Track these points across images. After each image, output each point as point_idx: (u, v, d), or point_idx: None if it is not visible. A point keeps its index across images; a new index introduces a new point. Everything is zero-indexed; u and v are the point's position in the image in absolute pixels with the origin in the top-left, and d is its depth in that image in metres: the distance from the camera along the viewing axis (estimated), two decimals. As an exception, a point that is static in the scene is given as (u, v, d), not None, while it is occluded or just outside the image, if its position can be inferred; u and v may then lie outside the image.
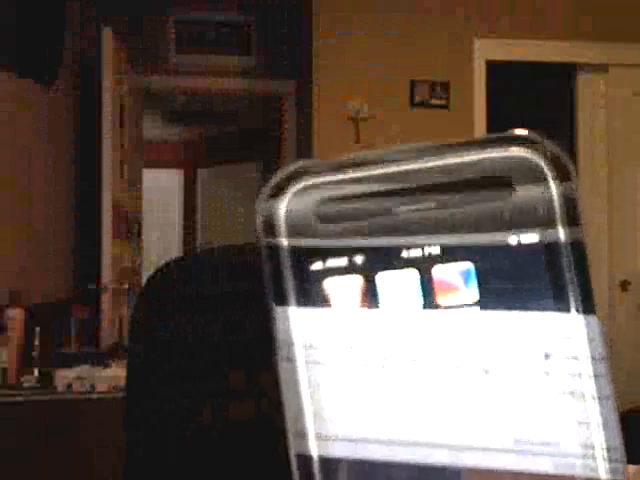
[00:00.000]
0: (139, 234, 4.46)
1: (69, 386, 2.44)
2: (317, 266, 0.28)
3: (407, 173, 0.27)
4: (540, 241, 0.26)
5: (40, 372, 2.52)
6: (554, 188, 0.26)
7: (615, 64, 3.96)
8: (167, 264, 0.70)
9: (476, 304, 0.27)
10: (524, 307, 0.26)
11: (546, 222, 0.26)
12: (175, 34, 4.49)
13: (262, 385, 0.64)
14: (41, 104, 3.64)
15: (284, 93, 4.59)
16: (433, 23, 3.84)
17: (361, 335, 0.28)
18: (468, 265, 0.27)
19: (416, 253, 0.27)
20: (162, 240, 6.54)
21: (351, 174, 0.28)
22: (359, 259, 0.28)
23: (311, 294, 0.28)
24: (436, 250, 0.27)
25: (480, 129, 3.76)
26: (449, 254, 0.27)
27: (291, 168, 0.29)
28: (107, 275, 3.62)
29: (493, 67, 3.85)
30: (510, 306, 0.26)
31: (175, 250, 6.66)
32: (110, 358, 2.76)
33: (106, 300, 3.60)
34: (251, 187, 6.62)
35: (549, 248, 0.26)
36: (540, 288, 0.26)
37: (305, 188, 0.28)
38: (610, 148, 3.96)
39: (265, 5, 4.52)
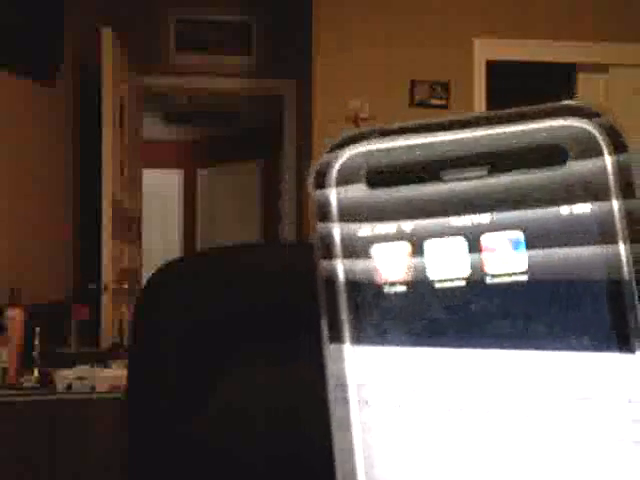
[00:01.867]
0: (139, 234, 4.46)
1: (69, 386, 2.44)
2: (365, 232, 0.28)
3: (459, 141, 0.27)
4: (592, 212, 0.25)
5: (40, 372, 2.52)
6: (609, 159, 0.25)
7: (615, 64, 3.96)
8: (168, 264, 0.70)
9: (524, 273, 0.26)
10: (574, 276, 0.25)
11: (600, 193, 0.25)
12: (175, 34, 4.49)
13: (262, 385, 0.64)
14: (41, 104, 3.64)
15: (284, 93, 4.59)
16: (433, 23, 3.84)
17: (422, 375, 0.27)
18: (518, 234, 0.26)
19: (465, 221, 0.27)
20: (162, 240, 6.54)
21: (402, 141, 0.28)
22: (407, 226, 0.27)
23: (358, 262, 0.27)
24: (485, 218, 0.26)
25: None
26: (498, 222, 0.26)
27: (344, 135, 0.29)
28: (107, 275, 3.62)
29: (493, 67, 3.85)
30: (560, 276, 0.25)
31: (175, 250, 6.66)
32: (110, 358, 2.76)
33: (106, 300, 3.60)
34: (251, 187, 6.62)
35: (601, 219, 0.25)
36: (591, 258, 0.25)
37: (357, 154, 0.28)
38: (610, 148, 3.95)
39: (265, 5, 4.52)
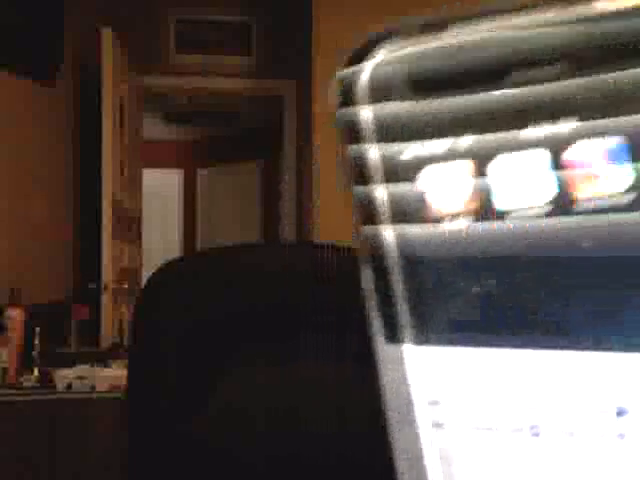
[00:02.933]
0: (139, 234, 4.46)
1: (69, 386, 2.44)
2: (412, 152, 0.21)
3: (528, 29, 0.20)
4: None
5: (40, 372, 2.52)
6: None
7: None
8: (168, 264, 0.70)
9: (631, 191, 0.19)
10: None
11: None
12: (175, 34, 4.49)
13: (262, 385, 0.64)
14: (41, 104, 3.64)
15: (284, 93, 4.59)
16: (433, 23, 3.84)
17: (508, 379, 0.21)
18: (618, 141, 0.19)
19: (544, 130, 0.20)
20: (162, 240, 6.54)
21: (453, 37, 0.21)
22: (467, 141, 0.21)
23: (403, 194, 0.21)
24: (571, 125, 0.20)
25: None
26: (590, 129, 0.19)
27: (375, 33, 0.23)
28: (107, 275, 3.62)
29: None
30: None
31: (175, 250, 6.65)
32: (110, 358, 2.76)
33: (106, 300, 3.60)
34: (251, 187, 6.62)
35: None
36: None
37: (395, 56, 0.22)
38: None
39: (265, 5, 4.52)
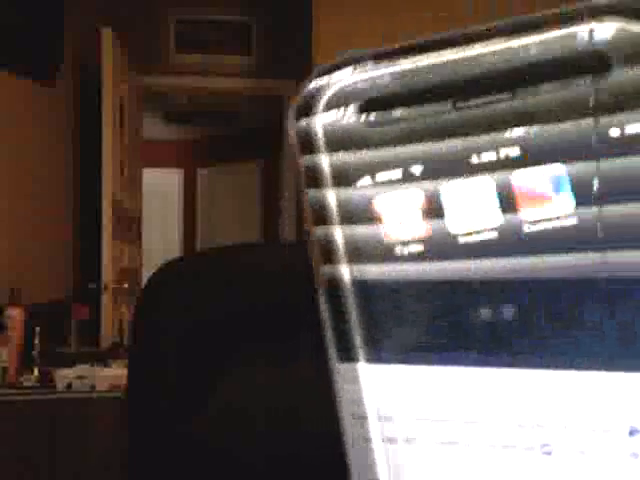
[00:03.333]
0: (139, 234, 4.46)
1: (69, 386, 2.44)
2: (365, 181, 0.22)
3: (473, 58, 0.22)
4: None
5: (40, 371, 2.52)
6: None
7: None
8: (168, 264, 0.70)
9: (572, 216, 0.20)
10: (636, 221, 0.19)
11: None
12: (175, 34, 4.49)
13: (262, 385, 0.64)
14: (41, 104, 3.64)
15: (284, 93, 4.59)
16: (433, 23, 3.84)
17: (462, 393, 0.21)
18: (558, 167, 0.20)
19: (489, 156, 0.21)
20: (162, 240, 6.54)
21: (402, 65, 0.22)
22: (417, 169, 0.22)
23: (359, 219, 0.22)
24: (515, 151, 0.21)
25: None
26: (532, 155, 0.20)
27: (326, 65, 0.24)
28: (107, 275, 3.62)
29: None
30: (619, 217, 0.19)
31: (175, 250, 6.66)
32: (110, 357, 2.76)
33: (106, 300, 3.60)
34: (251, 187, 6.62)
35: None
36: None
37: (346, 86, 0.23)
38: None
39: (265, 5, 4.52)
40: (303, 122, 0.23)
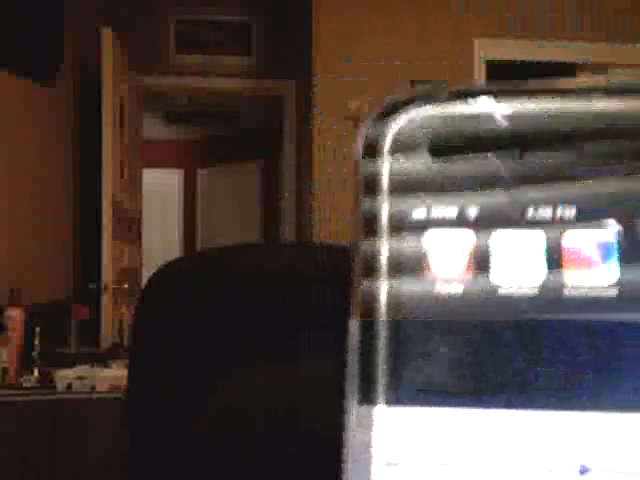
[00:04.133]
0: (139, 234, 4.46)
1: (69, 386, 2.44)
2: (420, 213, 0.22)
3: (547, 112, 0.21)
4: None
5: (40, 372, 2.52)
6: None
7: (615, 64, 3.96)
8: (168, 264, 0.70)
9: (614, 286, 0.20)
10: None
11: None
12: (175, 34, 4.49)
13: (262, 385, 0.64)
14: (41, 104, 3.63)
15: (284, 93, 4.59)
16: (433, 23, 3.84)
17: (478, 446, 0.21)
18: (611, 235, 0.20)
19: (546, 213, 0.21)
20: (162, 240, 6.54)
21: (477, 108, 0.22)
22: (472, 211, 0.21)
23: (406, 250, 0.22)
24: (572, 211, 0.20)
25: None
26: (588, 218, 0.20)
27: (410, 91, 0.23)
28: (107, 275, 3.62)
29: (493, 67, 3.85)
30: None
31: (175, 250, 6.66)
32: (110, 358, 2.76)
33: (106, 300, 3.60)
34: (251, 187, 6.62)
35: None
36: None
37: (422, 115, 0.23)
38: (610, 148, 3.95)
39: (265, 5, 4.52)
40: (370, 163, 0.23)
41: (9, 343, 2.50)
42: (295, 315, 0.63)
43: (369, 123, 0.23)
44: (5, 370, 2.49)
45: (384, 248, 0.22)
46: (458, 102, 0.22)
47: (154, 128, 6.22)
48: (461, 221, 0.22)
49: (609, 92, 0.21)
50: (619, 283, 0.20)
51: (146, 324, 0.69)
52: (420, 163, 0.22)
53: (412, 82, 3.79)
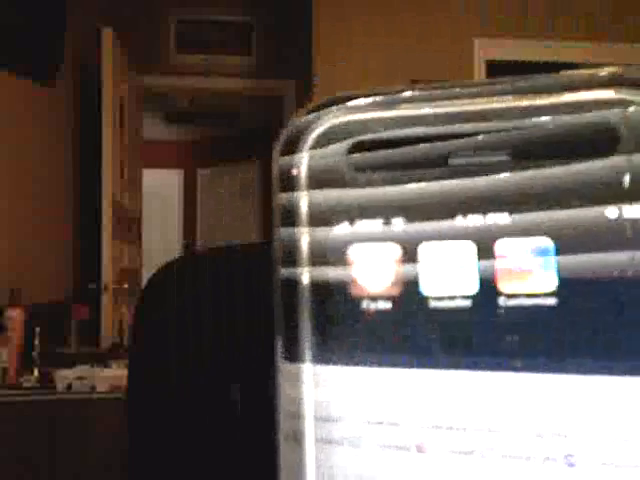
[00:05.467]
0: (139, 234, 4.46)
1: (69, 386, 2.44)
2: (342, 229, 0.21)
3: (473, 114, 0.20)
4: None
5: (40, 372, 2.52)
6: None
7: (615, 64, 3.96)
8: (167, 264, 0.70)
9: (551, 295, 0.19)
10: (621, 310, 0.18)
11: None
12: (176, 34, 4.49)
13: (262, 385, 0.64)
14: (41, 104, 3.63)
15: (284, 93, 4.59)
16: (433, 23, 3.84)
17: (399, 405, 0.20)
18: (546, 242, 0.19)
19: (476, 221, 0.20)
20: (162, 240, 6.54)
21: (398, 111, 0.21)
22: (398, 223, 0.21)
23: (330, 265, 0.21)
24: (504, 219, 0.20)
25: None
26: (521, 226, 0.19)
27: (321, 101, 0.22)
28: (107, 275, 3.62)
29: (493, 67, 3.85)
30: (603, 306, 0.18)
31: (175, 250, 6.66)
32: (110, 358, 2.76)
33: (106, 300, 3.60)
34: (251, 187, 6.62)
35: None
36: None
37: (336, 126, 0.22)
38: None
39: (266, 5, 4.52)
40: (287, 158, 0.22)
41: (9, 343, 2.50)
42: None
43: (285, 132, 0.23)
44: (5, 370, 2.49)
45: (306, 270, 0.21)
46: (379, 107, 0.22)
47: (154, 128, 6.22)
48: (386, 234, 0.21)
49: (523, 90, 0.20)
50: (557, 292, 0.19)
51: (146, 324, 0.69)
52: (341, 171, 0.21)
53: (413, 82, 3.79)
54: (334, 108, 0.22)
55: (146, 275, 4.01)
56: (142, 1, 4.42)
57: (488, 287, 0.20)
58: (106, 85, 3.64)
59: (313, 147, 0.22)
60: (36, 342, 2.57)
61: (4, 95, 3.23)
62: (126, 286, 3.79)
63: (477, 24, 3.85)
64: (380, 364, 0.21)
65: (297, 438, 0.21)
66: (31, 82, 3.44)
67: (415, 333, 0.20)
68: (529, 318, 0.19)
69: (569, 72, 0.20)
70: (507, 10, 3.87)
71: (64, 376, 2.46)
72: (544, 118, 0.19)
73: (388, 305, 0.21)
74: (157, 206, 6.45)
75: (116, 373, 2.46)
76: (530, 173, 0.19)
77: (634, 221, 0.18)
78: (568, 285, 0.19)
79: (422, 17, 3.83)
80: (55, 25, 3.66)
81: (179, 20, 4.49)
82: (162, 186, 6.77)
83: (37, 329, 2.58)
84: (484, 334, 0.20)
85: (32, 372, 2.52)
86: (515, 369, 0.19)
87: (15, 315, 2.53)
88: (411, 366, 0.20)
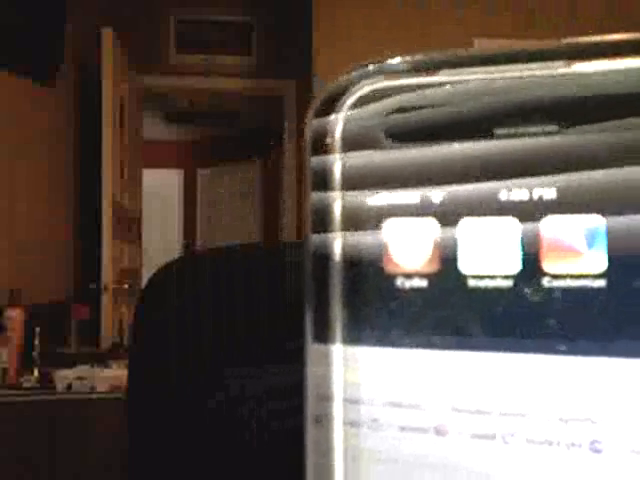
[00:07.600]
0: (139, 234, 4.46)
1: (69, 386, 2.44)
2: (376, 200, 0.20)
3: (520, 82, 0.18)
4: None
5: (40, 372, 2.52)
6: None
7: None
8: (168, 264, 0.70)
9: (601, 277, 0.18)
10: None
11: None
12: (176, 34, 4.49)
13: (262, 385, 0.64)
14: (41, 104, 3.63)
15: (284, 93, 4.59)
16: (433, 23, 3.84)
17: (432, 390, 0.19)
18: (596, 220, 0.18)
19: (520, 195, 0.18)
20: (162, 240, 6.54)
21: (440, 77, 0.20)
22: (437, 196, 0.19)
23: (363, 237, 0.20)
24: (551, 194, 0.18)
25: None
26: (570, 202, 0.18)
27: (359, 66, 0.21)
28: (107, 275, 3.62)
29: (493, 67, 3.85)
30: None
31: (175, 250, 6.66)
32: (110, 358, 2.76)
33: (106, 300, 3.60)
34: (251, 187, 6.62)
35: None
36: None
37: (374, 92, 0.20)
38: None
39: (266, 5, 4.52)
40: (321, 120, 0.20)
41: (9, 343, 2.50)
42: (295, 315, 0.63)
43: (322, 93, 0.21)
44: (5, 370, 2.49)
45: (338, 242, 0.20)
46: (417, 74, 0.20)
47: (154, 128, 6.22)
48: (424, 208, 0.19)
49: (573, 56, 0.18)
50: (607, 273, 0.18)
51: (146, 324, 0.69)
52: (376, 146, 0.20)
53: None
54: (373, 72, 0.21)
55: (146, 275, 4.01)
56: (142, 1, 4.42)
57: (531, 267, 0.18)
58: (106, 85, 3.64)
59: (350, 110, 0.20)
60: (36, 342, 2.57)
61: (4, 95, 3.23)
62: (126, 286, 3.79)
63: (477, 24, 3.85)
64: (413, 345, 0.19)
65: (325, 420, 0.21)
66: (31, 82, 3.44)
67: (452, 313, 0.19)
68: (574, 300, 0.18)
69: (618, 35, 0.18)
70: (507, 10, 3.87)
71: (64, 376, 2.45)
72: (595, 85, 0.18)
73: (424, 283, 0.19)
74: (157, 206, 6.45)
75: (116, 373, 2.46)
76: (580, 144, 0.18)
77: None
78: (618, 267, 0.17)
79: (422, 17, 3.83)
80: (55, 25, 3.66)
81: (179, 20, 4.49)
82: (162, 186, 6.77)
83: (37, 329, 2.58)
84: (525, 316, 0.18)
85: (32, 372, 2.52)
86: (554, 352, 0.18)
87: (15, 315, 2.53)
88: (446, 347, 0.19)
